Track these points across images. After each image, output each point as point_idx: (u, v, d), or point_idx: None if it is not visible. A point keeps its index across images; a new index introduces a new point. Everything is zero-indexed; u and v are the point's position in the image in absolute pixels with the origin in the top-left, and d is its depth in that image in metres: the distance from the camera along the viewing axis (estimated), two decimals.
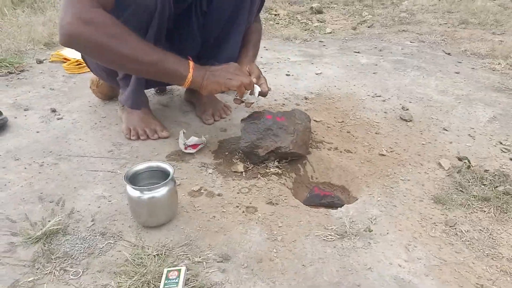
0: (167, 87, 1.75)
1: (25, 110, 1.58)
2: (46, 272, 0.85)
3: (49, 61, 2.11)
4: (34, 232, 0.94)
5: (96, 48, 1.01)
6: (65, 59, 2.08)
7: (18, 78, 1.89)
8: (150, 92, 1.68)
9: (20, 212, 1.03)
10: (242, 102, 1.22)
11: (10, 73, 1.94)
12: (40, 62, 2.10)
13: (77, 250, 0.91)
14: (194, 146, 1.28)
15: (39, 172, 1.20)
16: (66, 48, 2.21)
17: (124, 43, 1.02)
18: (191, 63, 1.11)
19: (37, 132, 1.42)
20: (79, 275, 0.85)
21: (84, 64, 1.98)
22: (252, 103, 1.23)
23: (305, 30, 2.67)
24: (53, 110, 1.56)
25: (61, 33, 1.01)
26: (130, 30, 1.03)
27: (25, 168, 1.22)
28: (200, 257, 0.89)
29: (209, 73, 1.13)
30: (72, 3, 0.99)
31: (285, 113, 1.26)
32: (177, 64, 1.09)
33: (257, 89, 1.19)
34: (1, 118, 1.41)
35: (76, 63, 2.02)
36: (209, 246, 0.93)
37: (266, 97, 1.27)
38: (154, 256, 0.89)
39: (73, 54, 2.10)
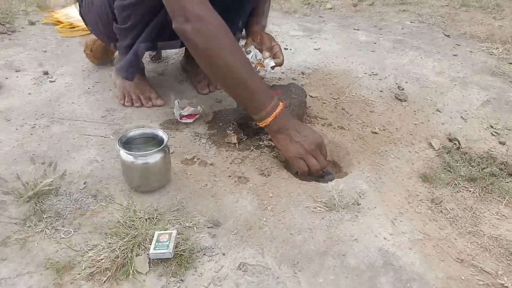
0: (162, 54, 1.72)
1: (16, 71, 1.55)
2: (37, 230, 0.86)
3: (42, 23, 2.06)
4: (26, 191, 0.94)
5: (205, 52, 0.99)
6: (58, 21, 2.04)
7: (10, 39, 1.85)
8: (145, 59, 1.66)
9: (11, 172, 1.03)
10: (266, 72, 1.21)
11: (1, 33, 1.89)
12: (32, 23, 2.05)
13: (68, 211, 0.92)
14: (190, 116, 1.27)
15: (31, 134, 1.19)
16: (60, 10, 2.16)
17: (231, 54, 0.99)
18: (279, 108, 1.03)
19: (29, 94, 1.40)
20: (70, 235, 0.86)
21: (78, 28, 1.94)
22: (263, 75, 1.22)
23: (305, 4, 2.63)
24: (45, 73, 1.54)
25: (189, 16, 0.96)
26: (237, 43, 1.02)
27: (17, 129, 1.21)
28: (191, 222, 0.91)
29: (287, 133, 1.04)
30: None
31: (281, 86, 1.26)
32: (265, 99, 1.02)
33: (270, 63, 1.19)
34: None
35: (70, 26, 1.97)
36: (200, 212, 0.95)
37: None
38: (146, 219, 0.90)
39: (67, 17, 2.05)
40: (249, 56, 1.25)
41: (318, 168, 1.05)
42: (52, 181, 0.98)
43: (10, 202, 0.93)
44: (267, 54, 1.24)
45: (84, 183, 1.01)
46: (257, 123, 1.06)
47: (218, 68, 1.01)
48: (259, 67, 1.25)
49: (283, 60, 1.23)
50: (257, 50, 1.27)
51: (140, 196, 0.99)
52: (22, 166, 1.06)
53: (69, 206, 0.93)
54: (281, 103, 1.05)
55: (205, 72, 1.10)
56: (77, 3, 1.40)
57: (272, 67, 1.24)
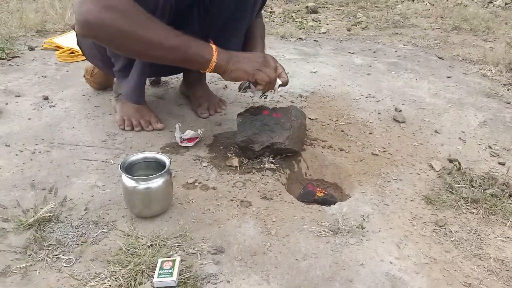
0: (161, 78, 1.74)
1: (16, 96, 1.55)
2: (38, 259, 0.84)
3: (41, 49, 2.08)
4: (26, 218, 0.93)
5: (119, 36, 0.97)
6: (57, 47, 2.06)
7: (10, 65, 1.86)
8: None
9: (11, 198, 1.02)
10: (260, 96, 1.22)
11: (1, 59, 1.90)
12: (32, 49, 2.07)
13: (70, 238, 0.90)
14: (190, 140, 1.27)
15: (31, 159, 1.18)
16: (59, 36, 2.18)
17: (147, 29, 0.98)
18: (214, 47, 1.07)
19: (29, 119, 1.40)
20: (72, 263, 0.84)
21: (77, 53, 1.96)
22: (273, 96, 1.23)
23: (300, 29, 2.68)
24: (45, 98, 1.54)
25: (80, 21, 0.97)
26: (152, 16, 1.00)
27: (17, 154, 1.20)
28: (194, 248, 0.90)
29: (235, 59, 1.09)
30: None
31: (281, 109, 1.27)
32: (200, 48, 1.05)
33: (278, 82, 1.20)
34: None
35: (69, 52, 1.99)
36: (203, 238, 0.93)
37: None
38: (148, 246, 0.89)
39: (66, 42, 2.07)
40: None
41: (273, 75, 1.12)
42: (52, 207, 0.97)
43: (10, 230, 0.91)
44: None
45: (85, 209, 1.00)
46: (207, 71, 1.08)
47: (143, 46, 1.00)
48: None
49: (287, 80, 1.25)
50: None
51: (142, 222, 0.97)
52: (22, 192, 1.04)
53: (70, 233, 0.92)
54: (210, 43, 1.08)
55: (131, 56, 1.11)
56: (74, 32, 1.42)
57: (279, 86, 1.25)
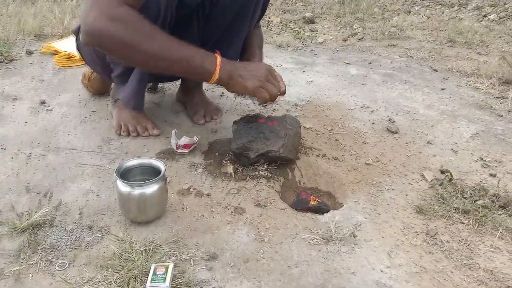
0: (158, 85, 1.75)
1: (13, 100, 1.56)
2: (31, 262, 0.85)
3: (39, 53, 2.09)
4: (20, 222, 0.93)
5: (124, 47, 0.98)
6: (56, 51, 2.07)
7: (7, 68, 1.87)
8: None
9: (6, 202, 1.02)
10: (259, 105, 1.24)
11: None
12: (30, 53, 2.08)
13: (63, 243, 0.91)
14: (186, 146, 1.28)
15: (26, 163, 1.19)
16: (58, 40, 2.20)
17: (153, 40, 0.99)
18: (219, 59, 1.06)
19: (25, 123, 1.40)
20: (65, 267, 0.85)
21: (75, 58, 1.97)
22: (270, 107, 1.24)
23: (297, 39, 2.71)
24: (42, 102, 1.55)
25: (86, 30, 0.98)
26: (156, 27, 1.01)
27: (12, 158, 1.21)
28: (187, 254, 0.90)
29: (238, 74, 1.08)
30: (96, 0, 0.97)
31: (277, 117, 1.28)
32: (203, 60, 1.05)
33: None
34: None
35: (67, 56, 2.00)
36: (197, 244, 0.94)
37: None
38: (142, 251, 0.89)
39: (65, 47, 2.08)
40: None
41: (275, 91, 1.11)
42: (47, 211, 0.97)
43: (4, 233, 0.92)
44: None
45: (80, 214, 1.00)
46: (209, 82, 1.07)
47: (147, 57, 1.00)
48: None
49: (285, 90, 1.26)
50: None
51: (136, 227, 0.98)
52: (17, 196, 1.05)
53: (64, 237, 0.92)
54: (216, 54, 1.07)
55: (135, 66, 1.12)
56: (73, 37, 1.43)
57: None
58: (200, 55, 1.05)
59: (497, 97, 1.88)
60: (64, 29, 2.39)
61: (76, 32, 1.39)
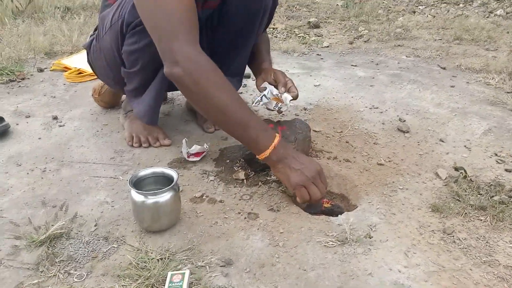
0: (168, 95, 1.77)
1: (26, 117, 1.59)
2: (50, 275, 0.86)
3: (50, 70, 2.13)
4: (38, 235, 0.95)
5: (195, 89, 1.01)
6: (66, 68, 2.11)
7: (19, 86, 1.91)
8: None
9: (23, 216, 1.04)
10: (274, 110, 1.25)
11: (11, 81, 1.95)
12: (41, 70, 2.12)
13: (80, 254, 0.92)
14: (197, 154, 1.29)
15: (42, 178, 1.21)
16: (67, 57, 2.24)
17: (220, 94, 1.01)
18: (276, 140, 1.04)
19: (39, 138, 1.43)
20: (83, 278, 0.85)
21: (85, 73, 2.00)
22: (285, 111, 1.25)
23: (303, 44, 2.72)
24: (55, 118, 1.58)
25: (180, 60, 0.99)
26: (227, 80, 1.04)
27: (27, 173, 1.23)
28: (203, 261, 0.90)
29: (288, 162, 1.04)
30: (181, 32, 1.00)
31: (286, 122, 1.28)
32: (260, 135, 1.03)
33: (288, 97, 1.23)
34: (3, 124, 1.43)
35: (77, 72, 2.04)
36: (212, 251, 0.94)
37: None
38: (158, 260, 0.90)
39: (74, 63, 2.12)
40: (265, 92, 1.28)
41: (319, 196, 1.04)
42: (63, 224, 0.98)
43: (22, 247, 0.93)
44: (283, 89, 1.27)
45: (95, 225, 1.01)
46: (257, 156, 1.06)
47: (212, 108, 1.03)
48: (277, 103, 1.28)
49: (297, 94, 1.27)
50: (272, 86, 1.30)
51: (151, 236, 0.99)
52: (33, 210, 1.06)
53: (81, 249, 0.93)
54: (277, 134, 1.06)
55: (201, 114, 1.11)
56: (85, 51, 1.46)
57: (290, 101, 1.28)
58: (259, 128, 1.04)
59: (508, 92, 1.86)
60: (73, 46, 2.43)
61: (88, 47, 1.42)
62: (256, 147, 1.04)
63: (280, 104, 1.29)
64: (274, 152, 1.03)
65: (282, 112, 1.29)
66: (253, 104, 1.25)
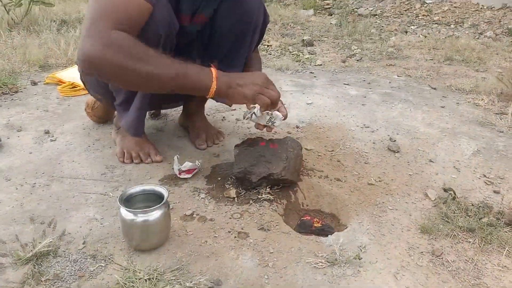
0: (161, 111, 1.77)
1: (18, 130, 1.58)
2: None
3: (44, 83, 2.12)
4: (24, 253, 0.93)
5: (120, 71, 1.00)
6: (59, 81, 2.11)
7: (12, 99, 1.90)
8: None
9: (10, 232, 1.02)
10: (265, 127, 1.24)
11: (4, 93, 1.95)
12: (34, 83, 2.11)
13: (67, 273, 0.91)
14: (188, 171, 1.29)
15: (31, 193, 1.20)
16: (62, 70, 2.24)
17: (147, 61, 1.00)
18: (214, 71, 1.07)
19: (30, 153, 1.42)
20: None
21: (79, 87, 2.01)
22: (277, 126, 1.25)
23: (297, 61, 2.75)
24: (47, 132, 1.57)
25: (82, 59, 1.00)
26: (150, 48, 1.03)
27: (17, 188, 1.22)
28: (191, 282, 0.90)
29: (235, 83, 1.09)
30: (92, 26, 0.99)
31: (278, 140, 1.29)
32: (199, 75, 1.06)
33: (279, 115, 1.23)
34: None
35: (71, 86, 2.04)
36: (201, 271, 0.94)
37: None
38: (146, 280, 0.89)
39: (68, 77, 2.12)
40: (254, 110, 1.27)
41: (276, 96, 1.11)
42: (51, 241, 0.97)
43: (8, 265, 0.92)
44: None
45: (83, 243, 1.00)
46: (208, 96, 1.09)
47: (147, 77, 1.02)
48: (270, 118, 1.26)
49: (287, 114, 1.28)
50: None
51: (139, 255, 0.98)
52: (21, 226, 1.05)
53: (68, 267, 0.92)
54: (211, 67, 1.08)
55: (138, 89, 1.12)
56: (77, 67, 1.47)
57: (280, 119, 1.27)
58: (196, 70, 1.07)
59: (497, 113, 1.90)
60: (68, 59, 2.44)
61: None
62: (202, 87, 1.06)
63: (272, 119, 1.28)
64: (219, 82, 1.07)
65: (274, 127, 1.29)
66: (244, 119, 1.25)
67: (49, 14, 3.34)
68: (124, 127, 1.39)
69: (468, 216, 1.16)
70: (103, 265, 0.94)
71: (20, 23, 3.11)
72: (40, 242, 0.96)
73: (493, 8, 4.08)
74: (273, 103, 1.12)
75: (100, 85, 1.36)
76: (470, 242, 1.07)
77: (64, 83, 2.07)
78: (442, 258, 1.01)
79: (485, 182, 1.35)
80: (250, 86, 1.09)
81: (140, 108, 1.32)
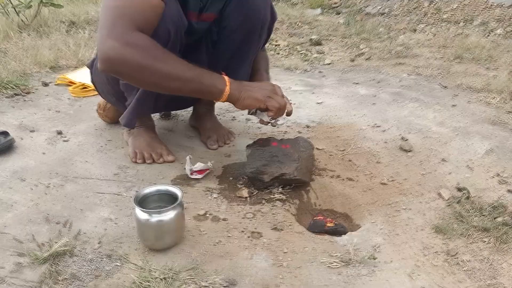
0: (171, 112, 1.78)
1: (31, 131, 1.60)
2: None
3: (55, 84, 2.14)
4: (41, 253, 0.94)
5: (139, 70, 1.03)
6: (70, 82, 2.12)
7: (24, 100, 1.92)
8: (155, 117, 1.71)
9: (27, 232, 1.03)
10: (269, 123, 1.25)
11: (16, 94, 1.96)
12: (45, 85, 2.13)
13: (84, 272, 0.91)
14: (200, 172, 1.30)
15: (46, 193, 1.21)
16: (72, 71, 2.26)
17: (165, 63, 1.04)
18: (226, 78, 1.13)
19: (43, 153, 1.43)
20: None
21: (89, 88, 2.02)
22: (280, 124, 1.26)
23: (305, 61, 2.75)
24: (59, 132, 1.58)
25: (103, 58, 1.02)
26: (168, 51, 1.07)
27: (31, 189, 1.23)
28: (207, 281, 0.90)
29: (246, 88, 1.15)
30: (112, 27, 1.01)
31: (289, 140, 1.29)
32: (214, 79, 1.11)
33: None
34: (8, 139, 1.43)
35: (82, 87, 2.05)
36: (216, 270, 0.94)
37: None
38: (161, 279, 0.89)
39: (79, 78, 2.14)
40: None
41: (284, 102, 1.19)
42: (67, 241, 0.98)
43: (25, 264, 0.93)
44: None
45: (99, 243, 1.01)
46: (220, 100, 1.14)
47: (164, 79, 1.06)
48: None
49: (292, 110, 1.28)
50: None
51: (154, 254, 0.98)
52: (37, 226, 1.06)
53: (84, 267, 0.93)
54: (222, 74, 1.14)
55: (155, 90, 1.17)
56: (87, 68, 1.48)
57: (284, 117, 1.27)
58: (210, 75, 1.12)
59: (509, 112, 1.87)
60: (78, 60, 2.45)
61: (91, 66, 1.44)
62: (217, 91, 1.12)
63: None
64: (231, 87, 1.12)
65: (277, 125, 1.30)
66: (248, 114, 1.26)
67: (58, 15, 3.36)
68: (120, 119, 1.38)
69: (482, 215, 1.15)
70: (119, 264, 0.94)
71: (30, 24, 3.13)
72: (56, 242, 0.97)
73: (503, 6, 4.03)
74: (281, 108, 1.18)
75: (111, 87, 1.37)
76: (485, 241, 1.06)
77: (75, 84, 2.08)
78: (457, 258, 1.00)
79: (499, 182, 1.33)
80: (260, 91, 1.17)
81: (139, 100, 1.30)
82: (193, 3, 1.22)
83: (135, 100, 1.32)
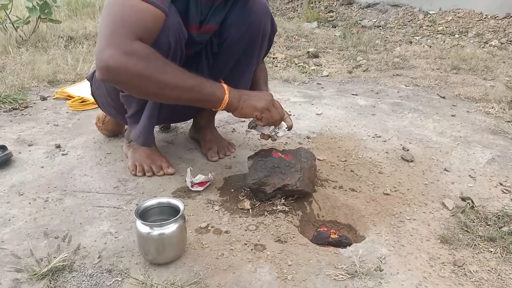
0: (171, 124, 1.77)
1: (29, 145, 1.58)
2: None
3: (53, 98, 2.13)
4: (40, 268, 0.92)
5: (139, 79, 1.01)
6: (69, 96, 2.12)
7: (22, 114, 1.91)
8: (155, 129, 1.70)
9: (25, 247, 1.01)
10: (269, 137, 1.25)
11: (14, 109, 1.96)
12: (44, 99, 2.12)
13: None
14: (201, 184, 1.28)
15: (44, 208, 1.19)
16: (70, 85, 2.26)
17: (165, 72, 1.03)
18: (226, 86, 1.13)
19: (42, 167, 1.42)
20: None
21: (88, 102, 2.01)
22: (280, 137, 1.26)
23: (303, 73, 2.76)
24: (58, 146, 1.57)
25: (102, 67, 1.00)
26: (168, 60, 1.06)
27: (30, 203, 1.21)
28: None
29: (245, 97, 1.15)
30: (111, 35, 1.00)
31: (291, 151, 1.28)
32: (213, 88, 1.11)
33: (284, 125, 1.23)
34: (6, 153, 1.42)
35: (80, 101, 2.05)
36: (219, 284, 0.92)
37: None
38: None
39: (78, 92, 2.13)
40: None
41: (279, 117, 1.19)
42: (66, 256, 0.96)
43: (23, 280, 0.90)
44: None
45: (99, 257, 0.99)
46: (219, 108, 1.13)
47: (164, 89, 1.04)
48: (274, 127, 1.26)
49: (292, 125, 1.28)
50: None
51: (155, 269, 0.96)
52: (35, 241, 1.04)
53: (84, 282, 0.90)
54: (221, 83, 1.14)
55: (154, 99, 1.16)
56: (87, 82, 1.47)
57: (285, 129, 1.27)
58: (209, 83, 1.11)
59: (508, 121, 1.88)
60: (77, 75, 2.46)
61: (91, 78, 1.43)
62: (216, 100, 1.11)
63: (276, 129, 1.27)
64: (230, 95, 1.12)
65: (278, 138, 1.29)
66: (249, 128, 1.25)
67: (56, 30, 3.37)
68: (133, 138, 1.38)
69: (487, 225, 1.14)
70: (119, 279, 0.92)
71: (28, 39, 3.14)
72: (55, 257, 0.95)
73: (497, 18, 4.09)
74: (274, 123, 1.20)
75: (111, 99, 1.37)
76: (491, 251, 1.05)
77: (73, 97, 2.08)
78: (464, 269, 0.99)
79: (502, 191, 1.33)
80: (259, 100, 1.16)
81: (150, 117, 1.31)
82: (194, 15, 1.22)
83: (146, 118, 1.32)
